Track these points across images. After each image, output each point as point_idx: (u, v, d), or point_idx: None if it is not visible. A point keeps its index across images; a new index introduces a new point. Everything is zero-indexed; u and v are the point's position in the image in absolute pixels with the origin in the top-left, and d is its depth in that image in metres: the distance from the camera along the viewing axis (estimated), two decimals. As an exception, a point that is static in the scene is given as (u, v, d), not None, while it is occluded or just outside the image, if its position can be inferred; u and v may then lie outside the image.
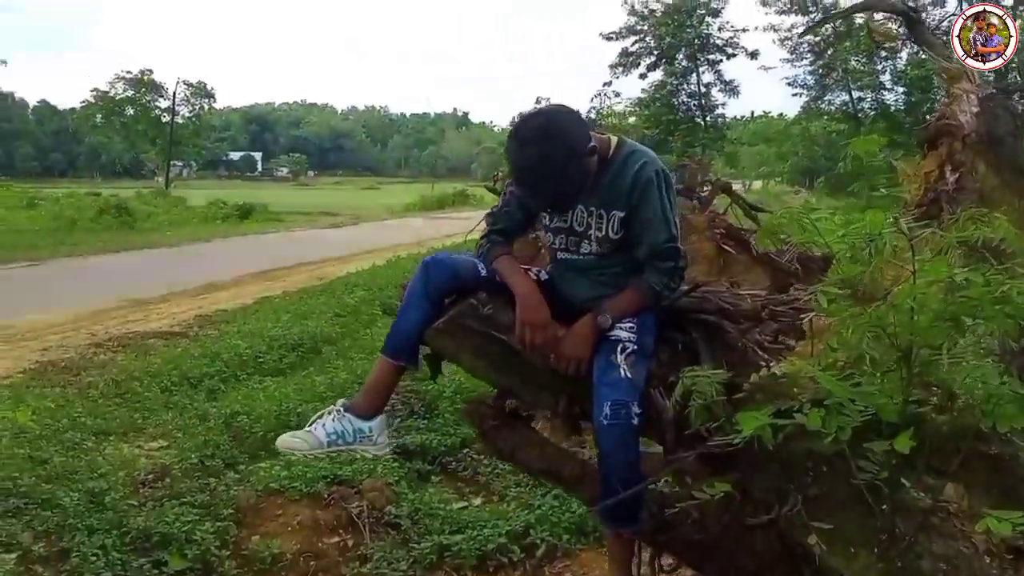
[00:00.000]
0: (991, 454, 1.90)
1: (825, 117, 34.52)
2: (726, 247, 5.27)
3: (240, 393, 5.83)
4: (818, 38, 31.50)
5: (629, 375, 2.16)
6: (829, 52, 31.28)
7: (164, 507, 4.00)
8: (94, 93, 45.95)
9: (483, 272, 2.42)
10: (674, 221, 2.35)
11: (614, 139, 2.42)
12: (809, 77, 33.58)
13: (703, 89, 36.86)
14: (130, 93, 45.51)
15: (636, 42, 35.86)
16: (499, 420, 2.37)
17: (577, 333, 2.29)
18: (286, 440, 2.44)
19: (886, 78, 32.03)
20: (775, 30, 32.86)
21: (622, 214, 2.35)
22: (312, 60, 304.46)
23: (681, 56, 35.92)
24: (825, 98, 34.03)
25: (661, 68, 36.05)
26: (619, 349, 2.22)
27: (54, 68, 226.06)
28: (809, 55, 32.91)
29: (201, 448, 4.70)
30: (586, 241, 2.42)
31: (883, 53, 29.75)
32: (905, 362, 1.67)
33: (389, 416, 5.17)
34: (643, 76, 36.43)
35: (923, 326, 1.59)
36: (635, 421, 2.11)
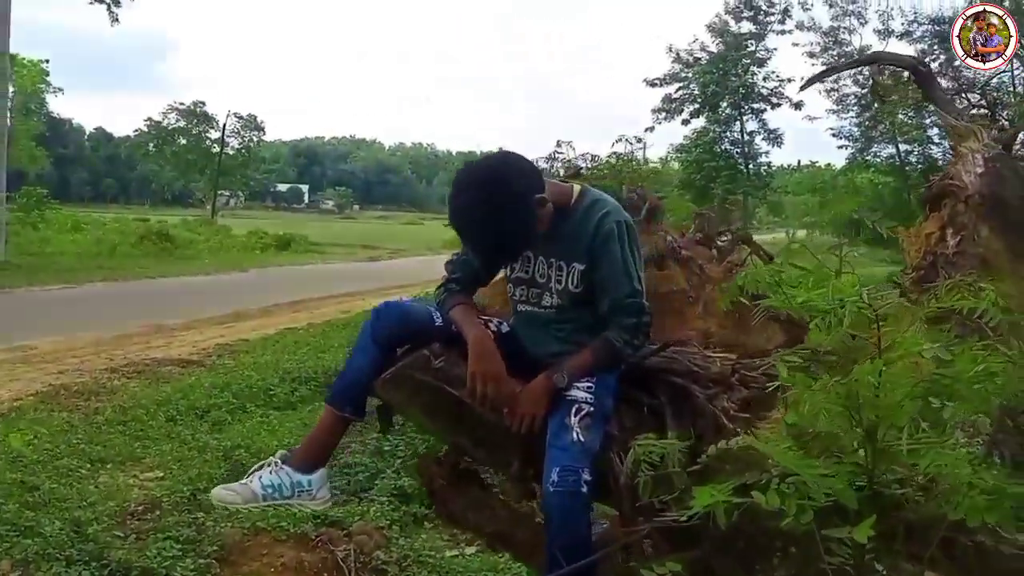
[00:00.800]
0: (974, 543, 1.74)
1: (872, 170, 34.07)
2: (741, 299, 5.11)
3: (245, 426, 5.77)
4: (864, 90, 31.20)
5: (582, 439, 2.03)
6: (876, 105, 30.94)
7: (148, 541, 3.92)
8: (147, 122, 47.40)
9: (438, 321, 2.31)
10: (637, 275, 2.23)
11: (576, 188, 2.32)
12: (855, 129, 33.23)
13: (746, 137, 36.71)
14: (182, 124, 46.82)
15: (680, 89, 35.90)
16: (449, 479, 2.24)
17: (531, 390, 2.16)
18: (220, 493, 2.34)
19: (934, 132, 31.52)
20: (821, 81, 32.62)
21: (582, 267, 2.24)
22: (363, 97, 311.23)
23: (725, 104, 35.84)
24: (871, 150, 33.60)
25: (704, 115, 35.99)
26: (573, 411, 2.09)
27: (111, 97, 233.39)
28: (855, 107, 32.61)
29: (195, 481, 4.63)
30: (547, 294, 2.31)
31: (931, 107, 29.32)
32: (870, 442, 1.53)
33: (386, 458, 5.13)
34: (686, 122, 36.43)
35: (888, 404, 1.46)
36: (584, 489, 1.97)
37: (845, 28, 32.01)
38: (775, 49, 35.96)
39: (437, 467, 2.27)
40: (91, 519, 4.01)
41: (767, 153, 37.66)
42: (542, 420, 2.13)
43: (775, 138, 36.75)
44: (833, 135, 33.74)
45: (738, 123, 36.65)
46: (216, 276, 18.02)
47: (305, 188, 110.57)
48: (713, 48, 35.62)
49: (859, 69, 30.71)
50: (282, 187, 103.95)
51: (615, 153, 21.96)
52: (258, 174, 60.69)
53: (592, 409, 2.10)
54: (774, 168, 40.68)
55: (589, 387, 2.15)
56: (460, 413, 2.17)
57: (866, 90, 31.18)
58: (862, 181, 34.61)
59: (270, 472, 2.31)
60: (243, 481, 2.34)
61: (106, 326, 9.86)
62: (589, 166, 17.62)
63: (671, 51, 35.65)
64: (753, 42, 35.45)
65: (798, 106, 35.06)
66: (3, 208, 17.93)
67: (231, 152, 47.83)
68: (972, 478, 1.40)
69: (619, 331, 2.21)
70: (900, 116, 30.52)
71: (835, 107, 33.05)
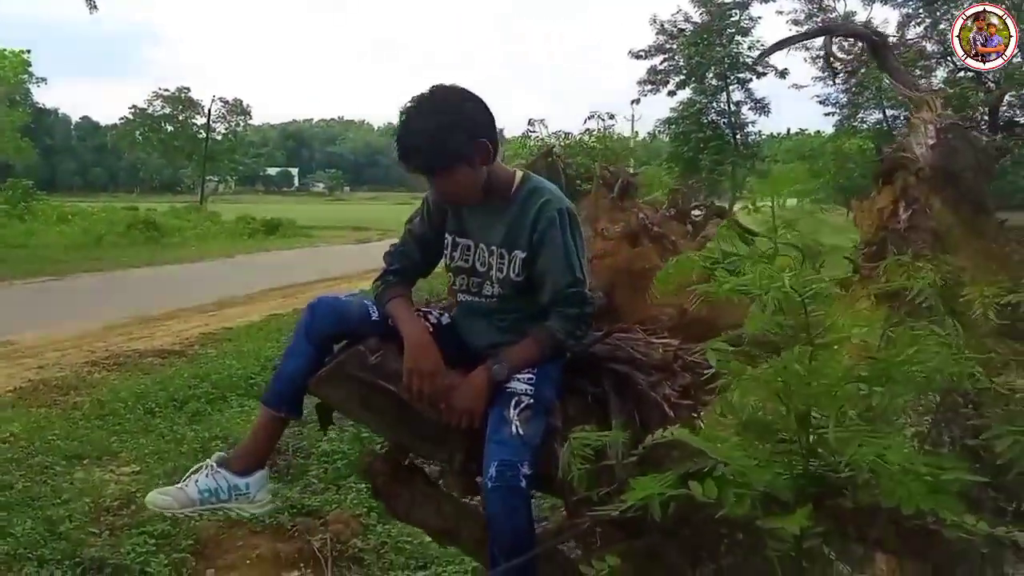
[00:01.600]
0: (918, 525, 1.71)
1: (859, 135, 33.94)
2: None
3: (224, 416, 5.75)
4: (850, 56, 31.01)
5: (521, 432, 1.98)
6: (862, 71, 30.77)
7: (122, 537, 3.91)
8: (132, 110, 46.96)
9: (375, 316, 2.24)
10: (580, 264, 2.17)
11: (519, 174, 2.26)
12: (842, 95, 33.08)
13: (733, 107, 36.54)
14: (167, 110, 46.44)
15: (665, 60, 35.70)
16: (392, 475, 2.20)
17: (470, 384, 2.10)
18: (155, 497, 2.29)
19: (921, 96, 31.33)
20: (807, 48, 32.41)
21: (524, 255, 2.18)
22: (350, 78, 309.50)
23: (711, 75, 35.63)
24: (858, 116, 33.46)
25: (690, 87, 35.80)
26: (513, 403, 2.03)
27: (96, 85, 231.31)
28: (842, 73, 32.41)
29: (170, 474, 4.59)
30: (488, 283, 2.25)
31: (918, 72, 29.18)
32: (803, 430, 1.50)
33: (365, 445, 5.09)
34: (672, 94, 36.26)
35: (817, 392, 1.43)
36: (523, 484, 1.92)
37: (829, -7, 31.75)
38: (759, 18, 35.73)
39: (380, 463, 2.23)
40: (64, 517, 4.00)
41: (754, 122, 37.57)
42: (482, 414, 2.09)
43: (762, 107, 36.64)
44: (820, 102, 33.60)
45: (724, 93, 36.47)
46: (203, 264, 17.93)
47: (295, 171, 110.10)
48: (697, 18, 35.36)
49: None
50: (272, 171, 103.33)
51: (588, 130, 21.65)
52: (247, 159, 60.33)
53: (532, 401, 2.05)
54: (762, 137, 40.59)
55: (530, 378, 2.10)
56: (400, 409, 2.12)
57: (851, 56, 31.00)
58: (851, 147, 34.48)
59: (206, 476, 2.25)
60: (179, 485, 2.28)
61: (90, 317, 9.81)
62: (562, 144, 17.41)
63: (655, 22, 35.43)
64: (737, 11, 35.17)
65: (783, 74, 34.92)
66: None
67: (218, 137, 47.50)
68: (905, 465, 1.37)
69: (561, 321, 2.16)
70: (886, 81, 30.33)
71: (821, 74, 32.87)
